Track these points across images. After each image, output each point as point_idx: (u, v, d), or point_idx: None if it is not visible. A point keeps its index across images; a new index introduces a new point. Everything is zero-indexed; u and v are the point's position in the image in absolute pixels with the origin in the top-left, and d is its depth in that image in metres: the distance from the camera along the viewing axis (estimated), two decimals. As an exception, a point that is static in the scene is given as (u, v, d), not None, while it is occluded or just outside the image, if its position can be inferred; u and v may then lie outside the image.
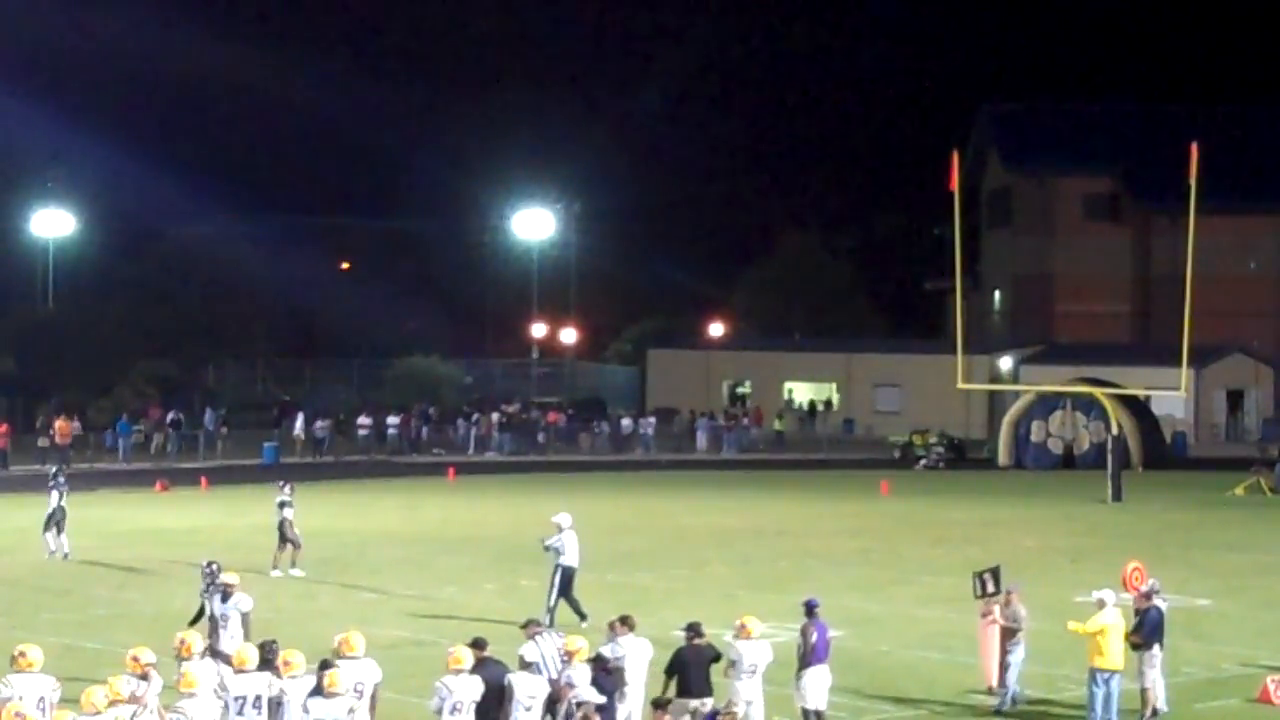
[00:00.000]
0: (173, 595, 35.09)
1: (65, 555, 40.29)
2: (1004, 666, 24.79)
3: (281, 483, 38.79)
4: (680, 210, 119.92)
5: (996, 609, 25.40)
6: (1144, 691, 24.06)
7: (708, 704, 20.99)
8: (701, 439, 77.08)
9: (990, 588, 25.93)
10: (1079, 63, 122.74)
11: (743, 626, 21.55)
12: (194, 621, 25.51)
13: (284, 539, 37.50)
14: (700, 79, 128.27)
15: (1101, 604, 23.77)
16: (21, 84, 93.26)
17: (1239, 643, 30.08)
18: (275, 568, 37.19)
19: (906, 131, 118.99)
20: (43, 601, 34.36)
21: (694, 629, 21.67)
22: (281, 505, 37.64)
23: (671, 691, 20.77)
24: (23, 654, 18.23)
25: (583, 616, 30.59)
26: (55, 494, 40.58)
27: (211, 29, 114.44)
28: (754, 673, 21.50)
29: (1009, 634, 24.92)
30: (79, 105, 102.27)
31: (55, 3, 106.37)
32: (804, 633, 22.62)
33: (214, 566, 26.37)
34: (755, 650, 21.51)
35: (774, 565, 39.73)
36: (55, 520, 40.45)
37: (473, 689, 19.06)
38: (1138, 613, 24.53)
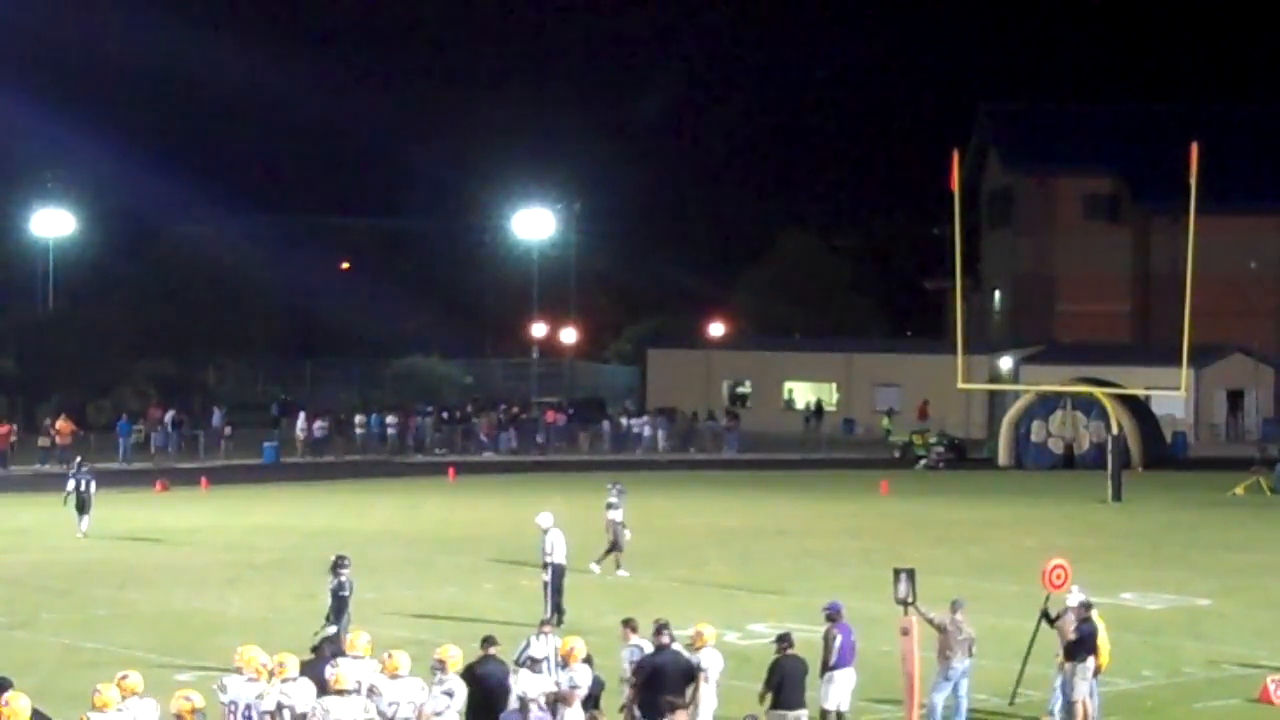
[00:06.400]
0: (172, 595, 35.09)
1: (83, 534, 44.03)
2: (956, 688, 23.17)
3: (610, 484, 38.70)
4: (680, 210, 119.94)
5: (914, 621, 22.80)
6: (1072, 705, 23.61)
7: (803, 716, 21.38)
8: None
9: (903, 591, 22.87)
10: (1079, 63, 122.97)
11: (699, 634, 21.49)
12: None
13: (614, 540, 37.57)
14: (700, 79, 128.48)
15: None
16: (21, 84, 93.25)
17: (1239, 643, 30.07)
18: (617, 567, 37.28)
19: (906, 131, 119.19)
20: (43, 601, 34.33)
21: (786, 640, 21.78)
22: (609, 507, 37.59)
23: (767, 703, 21.25)
24: (281, 665, 18.30)
25: (560, 616, 30.78)
26: (72, 481, 44.77)
27: (212, 29, 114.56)
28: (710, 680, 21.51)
29: (958, 649, 23.04)
30: (79, 105, 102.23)
31: (55, 3, 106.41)
32: (827, 637, 22.88)
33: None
34: (714, 658, 21.48)
35: (774, 565, 39.73)
36: (78, 503, 44.44)
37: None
38: (1055, 623, 24.03)
